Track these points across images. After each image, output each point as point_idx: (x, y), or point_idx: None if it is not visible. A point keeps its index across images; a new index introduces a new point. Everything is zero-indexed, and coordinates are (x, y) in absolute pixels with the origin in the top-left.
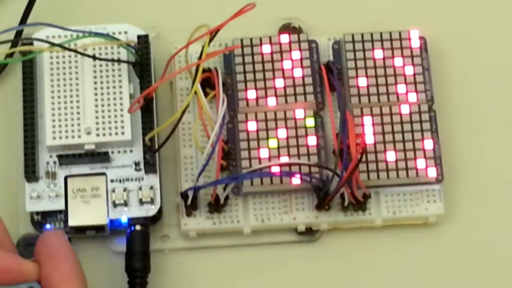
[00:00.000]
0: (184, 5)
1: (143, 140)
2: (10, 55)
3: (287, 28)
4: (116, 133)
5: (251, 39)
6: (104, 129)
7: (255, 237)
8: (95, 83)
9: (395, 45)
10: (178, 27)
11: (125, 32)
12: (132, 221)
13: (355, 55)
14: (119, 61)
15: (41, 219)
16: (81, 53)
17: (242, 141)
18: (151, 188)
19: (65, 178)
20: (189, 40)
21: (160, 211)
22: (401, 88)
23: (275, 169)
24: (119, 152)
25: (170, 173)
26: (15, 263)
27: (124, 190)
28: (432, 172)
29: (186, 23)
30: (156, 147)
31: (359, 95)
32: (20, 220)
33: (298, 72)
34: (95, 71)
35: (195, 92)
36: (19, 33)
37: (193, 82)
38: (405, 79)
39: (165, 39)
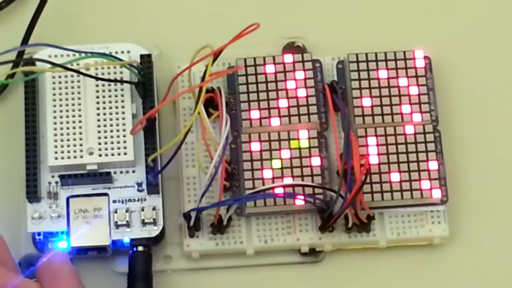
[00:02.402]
0: (187, 24)
1: (146, 160)
2: (12, 75)
3: (290, 47)
4: (119, 154)
5: (254, 59)
6: (106, 149)
7: (258, 258)
8: (98, 103)
9: (400, 65)
10: (181, 46)
11: (128, 52)
12: (134, 242)
13: (359, 75)
14: (121, 81)
15: (42, 239)
16: (83, 74)
17: (246, 161)
18: (154, 209)
19: (67, 199)
20: (192, 61)
21: (162, 231)
22: (406, 109)
23: (279, 190)
24: (121, 172)
25: (173, 192)
26: (19, 284)
27: (127, 211)
28: (436, 193)
29: (189, 41)
30: (159, 167)
31: (363, 115)
32: (21, 240)
33: (302, 92)
34: (97, 91)
35: (198, 113)
36: (21, 53)
37: (196, 103)
38: (409, 99)
39: (168, 57)
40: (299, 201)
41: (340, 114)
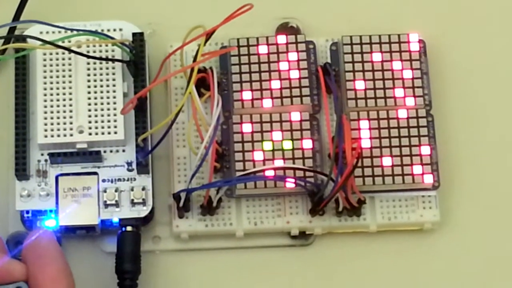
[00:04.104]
0: (180, 2)
1: (136, 140)
2: (3, 51)
3: (284, 28)
4: (109, 132)
5: (247, 39)
6: (96, 128)
7: (248, 240)
8: (89, 81)
9: (394, 48)
10: (174, 24)
11: (120, 29)
12: (123, 222)
13: (353, 57)
14: (113, 60)
15: (31, 217)
16: (74, 51)
17: (237, 143)
18: (143, 189)
19: (56, 177)
20: (184, 41)
21: (151, 211)
22: (399, 92)
23: (269, 173)
24: (111, 151)
25: (163, 171)
26: (3, 264)
27: (116, 190)
28: (428, 178)
29: (182, 20)
30: (149, 147)
31: (356, 98)
32: (9, 218)
33: (294, 74)
34: (88, 69)
35: (190, 93)
36: (12, 30)
37: (188, 84)
38: (403, 83)
39: (160, 36)
40: (290, 184)
41: (333, 97)
